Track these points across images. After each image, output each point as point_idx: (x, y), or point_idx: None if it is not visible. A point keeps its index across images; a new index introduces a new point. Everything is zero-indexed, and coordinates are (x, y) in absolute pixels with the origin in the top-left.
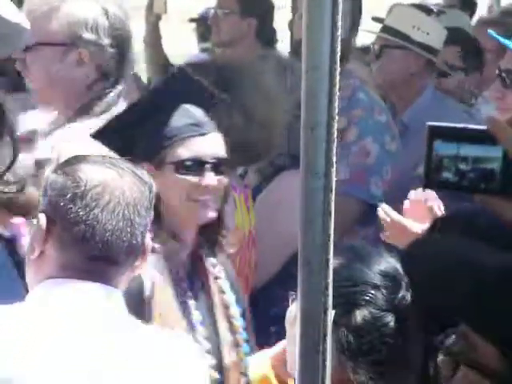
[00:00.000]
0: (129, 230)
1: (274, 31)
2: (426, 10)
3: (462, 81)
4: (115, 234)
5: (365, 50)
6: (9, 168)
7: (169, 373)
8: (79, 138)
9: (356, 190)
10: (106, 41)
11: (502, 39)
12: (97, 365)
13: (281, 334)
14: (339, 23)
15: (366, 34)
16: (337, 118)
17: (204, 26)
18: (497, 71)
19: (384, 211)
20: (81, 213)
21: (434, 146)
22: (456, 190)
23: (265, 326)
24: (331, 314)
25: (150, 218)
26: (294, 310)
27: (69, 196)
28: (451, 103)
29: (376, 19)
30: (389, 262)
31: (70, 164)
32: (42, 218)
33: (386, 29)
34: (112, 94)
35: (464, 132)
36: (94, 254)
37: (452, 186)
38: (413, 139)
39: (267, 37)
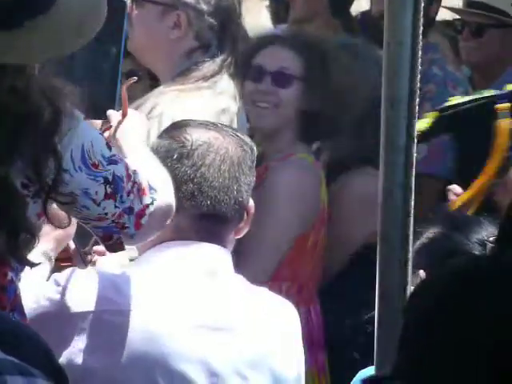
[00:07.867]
0: (235, 187)
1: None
2: None
3: None
4: (222, 190)
5: (444, 23)
6: None
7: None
8: (178, 98)
9: (435, 167)
10: (206, 8)
11: None
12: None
13: None
14: None
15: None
16: (418, 92)
17: (275, 3)
18: None
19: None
20: (188, 171)
21: None
22: None
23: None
24: (410, 290)
25: (253, 178)
26: None
27: (175, 156)
28: None
29: None
30: (488, 231)
31: (174, 128)
32: None
33: (481, 5)
34: (209, 64)
35: None
36: (203, 212)
37: None
38: None
39: (344, 12)
